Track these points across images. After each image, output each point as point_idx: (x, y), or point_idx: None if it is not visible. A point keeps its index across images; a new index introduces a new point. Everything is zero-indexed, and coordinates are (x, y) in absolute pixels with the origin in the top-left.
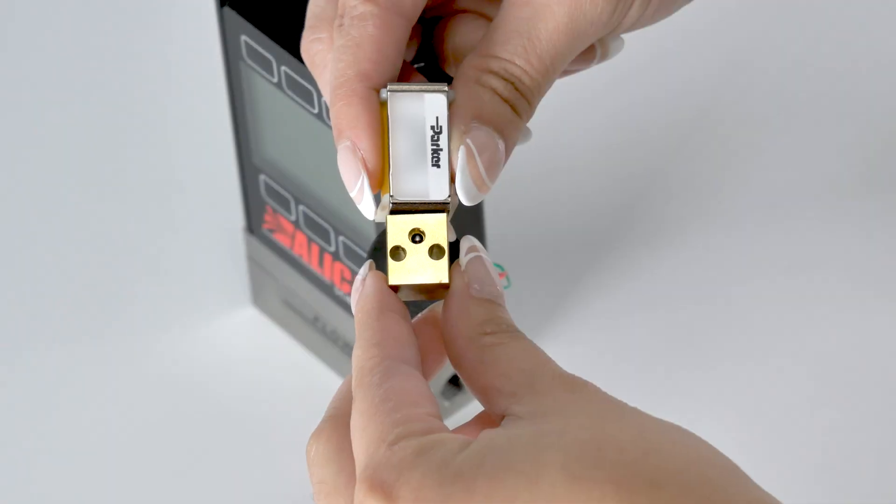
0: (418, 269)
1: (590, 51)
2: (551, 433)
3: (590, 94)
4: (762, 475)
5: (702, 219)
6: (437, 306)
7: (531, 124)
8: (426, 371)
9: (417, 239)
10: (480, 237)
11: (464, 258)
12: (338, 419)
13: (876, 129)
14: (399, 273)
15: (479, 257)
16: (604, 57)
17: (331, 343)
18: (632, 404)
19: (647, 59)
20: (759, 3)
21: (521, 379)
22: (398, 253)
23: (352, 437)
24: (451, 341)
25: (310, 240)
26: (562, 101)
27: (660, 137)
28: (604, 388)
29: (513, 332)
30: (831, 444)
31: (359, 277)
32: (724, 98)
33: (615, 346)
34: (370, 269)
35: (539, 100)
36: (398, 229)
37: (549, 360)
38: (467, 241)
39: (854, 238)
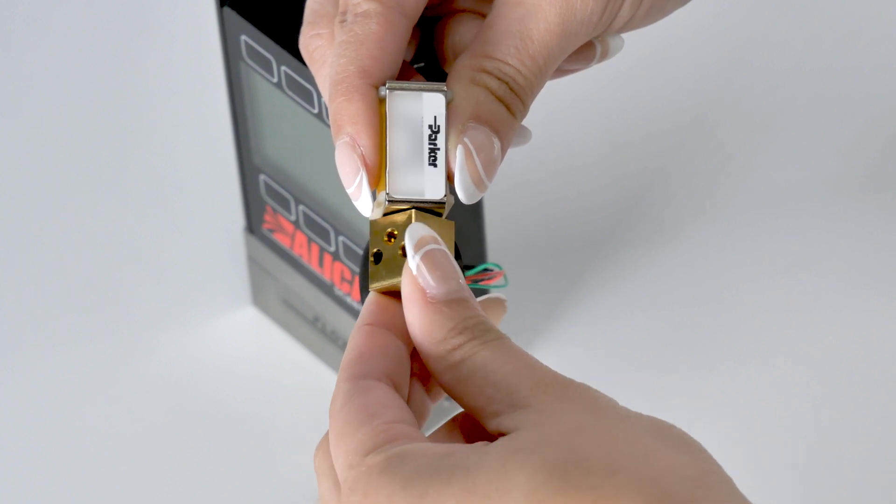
0: (395, 270)
1: (589, 50)
2: (520, 453)
3: (589, 94)
4: (762, 474)
5: (701, 219)
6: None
7: (531, 125)
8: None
9: (390, 239)
10: (480, 237)
11: (413, 259)
12: None
13: (876, 129)
14: (376, 276)
15: (432, 251)
16: (603, 56)
17: (331, 343)
18: (631, 404)
19: (646, 59)
20: (759, 3)
21: (499, 395)
22: (378, 256)
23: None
24: (424, 361)
25: (310, 240)
26: (562, 100)
27: (660, 137)
28: (603, 389)
29: (481, 336)
30: (832, 444)
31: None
32: (724, 98)
33: (615, 346)
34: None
35: (532, 99)
36: (379, 232)
37: (524, 366)
38: (413, 235)
39: (854, 238)
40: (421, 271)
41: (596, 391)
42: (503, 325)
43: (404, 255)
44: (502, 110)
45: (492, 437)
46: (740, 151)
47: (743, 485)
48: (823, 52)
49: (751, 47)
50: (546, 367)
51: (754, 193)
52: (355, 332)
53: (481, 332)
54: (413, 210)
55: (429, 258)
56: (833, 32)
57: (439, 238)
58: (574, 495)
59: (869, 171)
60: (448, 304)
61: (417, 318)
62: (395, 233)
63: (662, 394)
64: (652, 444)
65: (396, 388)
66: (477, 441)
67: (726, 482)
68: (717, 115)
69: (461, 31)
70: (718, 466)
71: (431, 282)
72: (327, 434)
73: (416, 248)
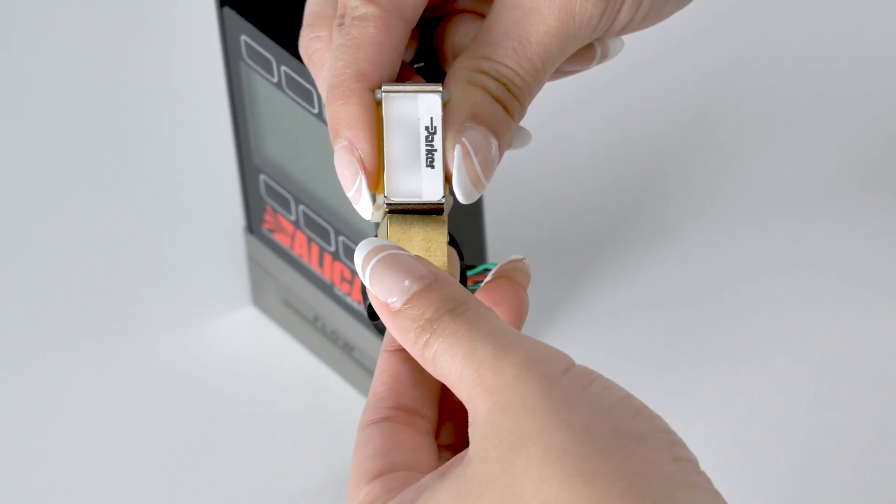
0: None
1: (589, 52)
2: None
3: (590, 95)
4: (762, 474)
5: (701, 219)
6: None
7: (531, 125)
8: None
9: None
10: (480, 237)
11: (365, 276)
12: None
13: (876, 129)
14: None
15: (376, 265)
16: (603, 58)
17: (331, 343)
18: None
19: (646, 60)
20: (759, 4)
21: (460, 390)
22: None
23: None
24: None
25: (310, 240)
26: (562, 101)
27: (660, 138)
28: None
29: (434, 327)
30: (832, 444)
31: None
32: (724, 98)
33: (615, 346)
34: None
35: (530, 101)
36: (397, 228)
37: (468, 353)
38: (356, 258)
39: (854, 238)
40: (371, 291)
41: (542, 361)
42: None
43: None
44: (500, 111)
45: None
46: (740, 151)
47: (743, 484)
48: (823, 53)
49: (751, 48)
50: (489, 341)
51: (754, 193)
52: (379, 362)
53: (435, 318)
54: (388, 214)
55: (373, 274)
56: (833, 32)
57: (388, 243)
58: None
59: (869, 171)
60: (410, 306)
61: (391, 331)
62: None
63: (662, 393)
64: (592, 445)
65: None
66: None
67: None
68: (717, 115)
69: (461, 32)
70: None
71: (381, 298)
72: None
73: (362, 270)
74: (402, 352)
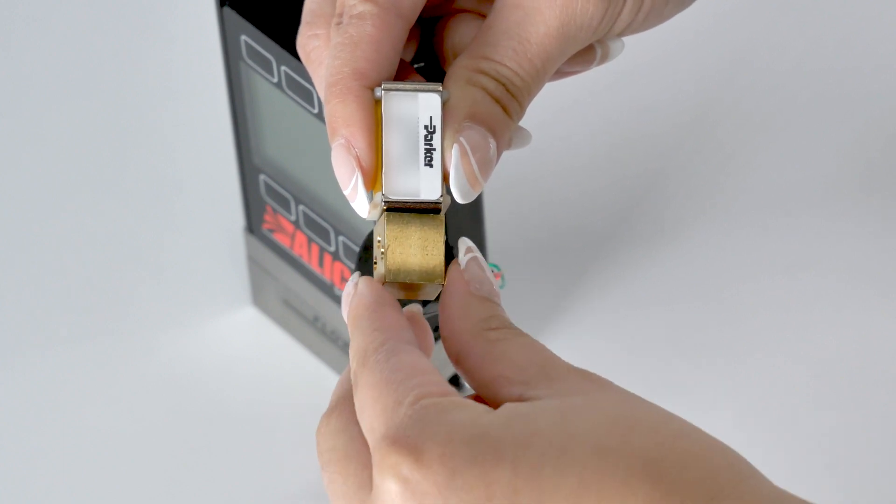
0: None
1: (590, 53)
2: (579, 408)
3: (590, 95)
4: (764, 473)
5: (702, 219)
6: (415, 307)
7: (531, 125)
8: None
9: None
10: (480, 237)
11: (463, 258)
12: (347, 399)
13: (876, 130)
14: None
15: (476, 258)
16: (604, 59)
17: (331, 343)
18: None
19: (646, 60)
20: (759, 5)
21: (534, 369)
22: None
23: (359, 415)
24: (453, 336)
25: (310, 240)
26: (562, 101)
27: (659, 138)
28: None
29: (516, 330)
30: (832, 443)
31: (350, 283)
32: (724, 99)
33: (615, 346)
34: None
35: (529, 101)
36: (394, 226)
37: (557, 356)
38: (465, 243)
39: (854, 238)
40: (470, 268)
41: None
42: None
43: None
44: (498, 111)
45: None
46: (740, 152)
47: None
48: (823, 53)
49: (751, 48)
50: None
51: (754, 193)
52: (377, 306)
53: (515, 328)
54: (385, 213)
55: (478, 260)
56: (833, 33)
57: (479, 252)
58: (640, 449)
59: (868, 172)
60: (487, 299)
61: (461, 300)
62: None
63: (662, 393)
64: (698, 429)
65: None
66: None
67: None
68: (717, 115)
69: (461, 32)
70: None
71: (479, 278)
72: (333, 404)
73: (467, 251)
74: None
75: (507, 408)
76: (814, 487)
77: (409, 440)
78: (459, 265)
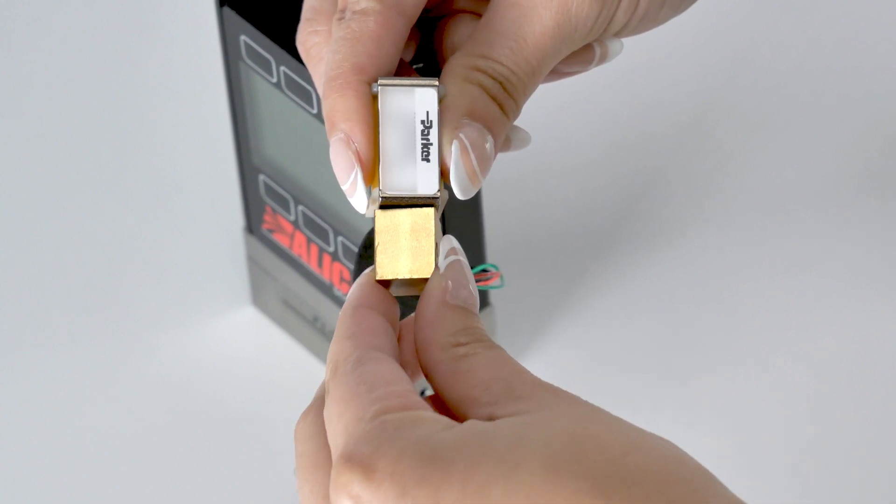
0: (399, 260)
1: (588, 53)
2: (535, 425)
3: (588, 95)
4: (762, 475)
5: (700, 219)
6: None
7: (530, 125)
8: (409, 376)
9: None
10: (478, 236)
11: (443, 261)
12: (323, 401)
13: (875, 130)
14: (383, 269)
15: (458, 261)
16: (602, 59)
17: (329, 343)
18: (630, 405)
19: (646, 60)
20: (758, 5)
21: (499, 388)
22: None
23: (327, 426)
24: (423, 349)
25: (309, 240)
26: (561, 101)
27: (658, 138)
28: (602, 389)
29: (486, 343)
30: (832, 445)
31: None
32: (723, 99)
33: (614, 347)
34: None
35: (525, 100)
36: (384, 223)
37: (524, 370)
38: (447, 243)
39: (853, 238)
40: (448, 273)
41: (586, 401)
42: (503, 325)
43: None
44: (495, 109)
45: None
46: (739, 152)
47: (742, 485)
48: (823, 53)
49: (750, 48)
50: (541, 379)
51: (753, 194)
52: (353, 310)
53: (485, 340)
54: (378, 208)
55: (458, 265)
56: (832, 33)
57: (464, 254)
58: (590, 466)
59: (868, 172)
60: (464, 308)
61: (433, 311)
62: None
63: (662, 394)
64: (659, 440)
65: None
66: None
67: (723, 485)
68: (717, 115)
69: (460, 32)
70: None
71: (456, 285)
72: (312, 403)
73: (448, 254)
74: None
75: (466, 424)
76: (814, 488)
77: (363, 458)
78: (439, 270)
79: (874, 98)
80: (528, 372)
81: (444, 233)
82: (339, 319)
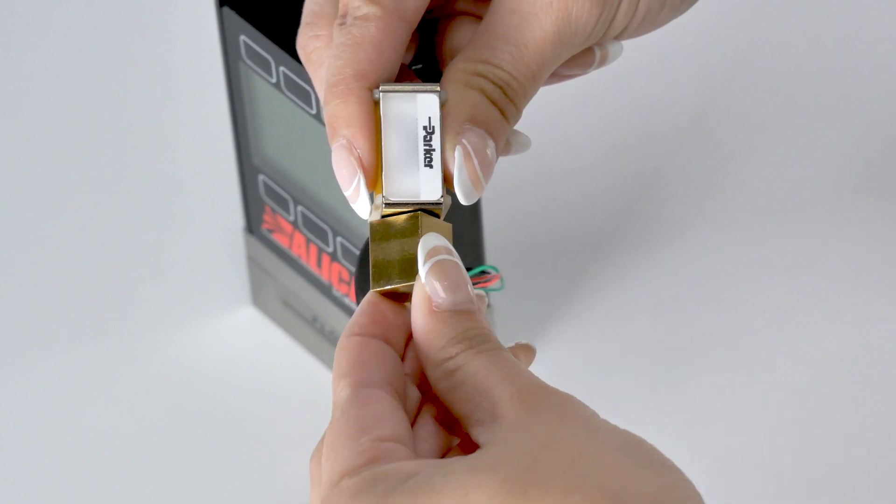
0: (396, 273)
1: (589, 56)
2: (482, 473)
3: (588, 97)
4: (762, 476)
5: (700, 220)
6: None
7: (530, 126)
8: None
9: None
10: (478, 238)
11: (422, 268)
12: None
13: (875, 130)
14: (378, 278)
15: (443, 261)
16: (602, 62)
17: (329, 343)
18: (630, 406)
19: (645, 61)
20: (757, 6)
21: (483, 405)
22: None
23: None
24: (423, 366)
25: (308, 240)
26: (561, 103)
27: (658, 139)
28: (601, 391)
29: (476, 346)
30: (832, 446)
31: None
32: (723, 100)
33: (614, 348)
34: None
35: (525, 104)
36: (377, 233)
37: (509, 373)
38: (426, 244)
39: (853, 239)
40: (429, 281)
41: (575, 401)
42: (503, 326)
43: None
44: (497, 113)
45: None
46: (739, 152)
47: (743, 486)
48: (822, 53)
49: (750, 49)
50: (531, 376)
51: (753, 195)
52: (346, 341)
53: (479, 341)
54: (420, 212)
55: (439, 268)
56: (832, 33)
57: (452, 249)
58: None
59: (868, 172)
60: (452, 314)
61: (421, 326)
62: (397, 236)
63: (662, 395)
64: (616, 460)
65: (397, 394)
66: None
67: (690, 497)
68: (716, 116)
69: (460, 35)
70: (686, 482)
71: (440, 292)
72: (322, 439)
73: (427, 257)
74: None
75: (422, 476)
76: (814, 488)
77: None
78: (421, 279)
79: (874, 98)
80: (513, 375)
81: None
82: (335, 353)
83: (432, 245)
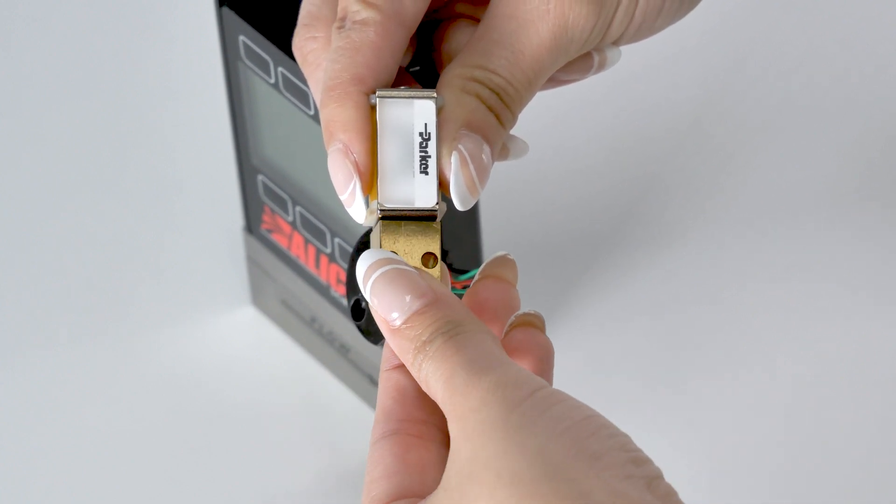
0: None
1: (587, 61)
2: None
3: (587, 100)
4: (762, 476)
5: (700, 223)
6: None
7: (527, 131)
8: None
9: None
10: (476, 241)
11: (366, 289)
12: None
13: (875, 133)
14: None
15: (377, 279)
16: (601, 67)
17: (327, 344)
18: (630, 408)
19: (644, 63)
20: (757, 7)
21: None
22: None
23: None
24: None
25: (307, 241)
26: (559, 106)
27: (658, 142)
28: (601, 392)
29: (427, 349)
30: (832, 447)
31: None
32: (723, 102)
33: (613, 350)
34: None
35: (521, 109)
36: (390, 235)
37: (450, 374)
38: (364, 263)
39: (854, 241)
40: (373, 307)
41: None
42: None
43: (428, 264)
44: (492, 119)
45: None
46: (739, 154)
47: (743, 486)
48: (822, 55)
49: (749, 50)
50: (467, 362)
51: (753, 197)
52: (382, 382)
53: (430, 344)
54: (379, 221)
55: (375, 288)
56: (832, 35)
57: (391, 256)
58: None
59: (868, 174)
60: (408, 324)
61: (391, 346)
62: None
63: (661, 396)
64: (539, 468)
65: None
66: None
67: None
68: (716, 118)
69: (458, 38)
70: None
71: (381, 314)
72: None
73: (364, 282)
74: (403, 368)
75: None
76: (814, 489)
77: None
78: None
79: (874, 100)
80: (454, 374)
81: (442, 244)
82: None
83: (363, 270)
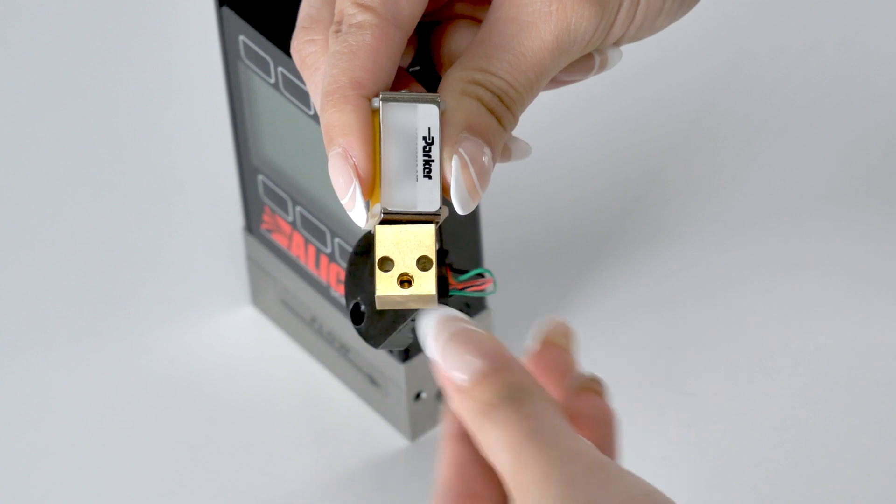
0: (401, 284)
1: (588, 62)
2: None
3: (587, 100)
4: (761, 475)
5: (700, 223)
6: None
7: (528, 132)
8: None
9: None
10: (476, 241)
11: (436, 350)
12: None
13: (875, 133)
14: (387, 284)
15: (455, 335)
16: (602, 68)
17: (327, 344)
18: (630, 408)
19: (643, 65)
20: (757, 9)
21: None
22: (386, 263)
23: None
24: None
25: (307, 241)
26: (559, 106)
27: (657, 142)
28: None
29: (493, 414)
30: (832, 446)
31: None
32: (722, 102)
33: (612, 350)
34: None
35: (522, 111)
36: (387, 239)
37: (517, 444)
38: (430, 319)
39: (854, 241)
40: (438, 365)
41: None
42: (502, 328)
43: (422, 267)
44: (493, 122)
45: None
46: (738, 155)
47: (742, 487)
48: (822, 57)
49: (749, 51)
50: (533, 432)
51: (752, 197)
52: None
53: (496, 409)
54: (378, 224)
55: (443, 349)
56: (832, 36)
57: (460, 315)
58: None
59: (868, 175)
60: (474, 386)
61: (453, 404)
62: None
63: (661, 397)
64: None
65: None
66: None
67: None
68: (715, 119)
69: (458, 38)
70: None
71: (447, 374)
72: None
73: (434, 342)
74: (464, 439)
75: None
76: (814, 488)
77: None
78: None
79: (874, 101)
80: (514, 460)
81: (442, 244)
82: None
83: (433, 325)
